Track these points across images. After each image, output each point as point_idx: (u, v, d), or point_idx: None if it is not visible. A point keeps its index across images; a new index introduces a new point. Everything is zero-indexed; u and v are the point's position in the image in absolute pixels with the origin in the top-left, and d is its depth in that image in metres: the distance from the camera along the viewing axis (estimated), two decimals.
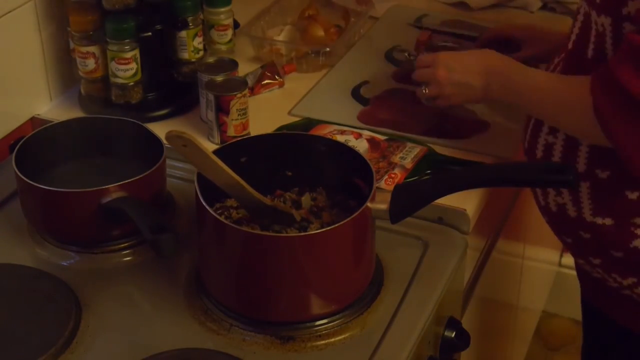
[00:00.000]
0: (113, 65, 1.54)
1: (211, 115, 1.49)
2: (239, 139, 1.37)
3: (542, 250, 2.45)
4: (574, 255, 1.44)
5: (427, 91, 1.46)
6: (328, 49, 1.74)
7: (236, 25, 1.76)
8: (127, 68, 1.53)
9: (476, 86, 1.39)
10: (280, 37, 1.81)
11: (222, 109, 1.47)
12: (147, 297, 1.24)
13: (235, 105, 1.46)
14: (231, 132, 1.49)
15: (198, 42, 1.62)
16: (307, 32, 1.80)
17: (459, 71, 1.41)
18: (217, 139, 1.50)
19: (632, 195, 1.27)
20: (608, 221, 1.30)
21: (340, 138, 1.46)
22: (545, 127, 1.34)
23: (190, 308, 1.20)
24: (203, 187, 1.16)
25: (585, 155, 1.29)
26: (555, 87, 1.29)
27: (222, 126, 1.48)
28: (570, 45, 1.31)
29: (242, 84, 1.49)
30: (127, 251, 1.30)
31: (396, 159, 1.43)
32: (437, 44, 1.71)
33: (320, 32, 1.79)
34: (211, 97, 1.47)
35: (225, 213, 1.24)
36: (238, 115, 1.47)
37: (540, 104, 1.30)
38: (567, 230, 1.38)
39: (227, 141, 1.42)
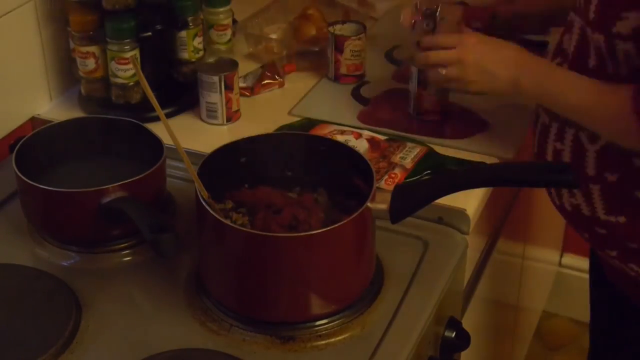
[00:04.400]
0: (113, 65, 1.54)
1: (330, 53, 1.69)
2: (249, 137, 1.35)
3: (542, 250, 2.45)
4: (592, 247, 1.47)
5: (445, 72, 1.40)
6: (317, 49, 1.74)
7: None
8: (127, 68, 1.53)
9: (503, 78, 1.35)
10: (276, 35, 1.82)
11: (337, 48, 1.67)
12: (147, 297, 1.24)
13: (349, 46, 1.66)
14: (344, 70, 1.68)
15: (198, 42, 1.62)
16: (300, 31, 1.81)
17: (489, 59, 1.37)
18: (332, 74, 1.71)
19: None
20: (621, 219, 1.32)
21: (340, 138, 1.46)
22: (552, 133, 1.35)
23: (190, 308, 1.20)
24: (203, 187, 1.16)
25: (594, 160, 1.31)
26: (591, 90, 1.27)
27: (336, 63, 1.69)
28: (570, 55, 1.32)
29: (361, 27, 1.71)
30: (127, 251, 1.30)
31: (396, 159, 1.43)
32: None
33: (312, 31, 1.80)
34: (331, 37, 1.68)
35: (225, 213, 1.24)
36: (352, 55, 1.67)
37: (574, 108, 1.29)
38: (583, 227, 1.40)
39: (340, 80, 1.70)
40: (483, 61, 1.37)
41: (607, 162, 1.30)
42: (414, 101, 1.57)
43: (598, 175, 1.31)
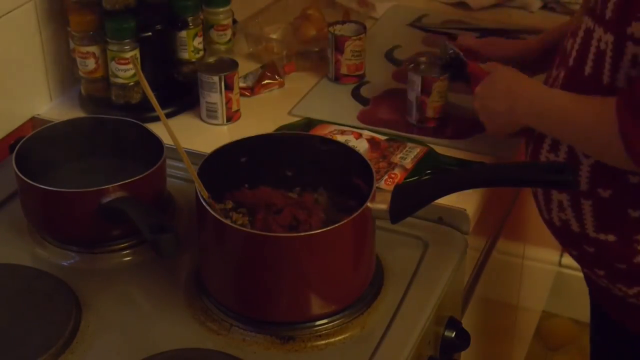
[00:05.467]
0: (113, 65, 1.54)
1: (330, 53, 1.70)
2: (243, 138, 1.36)
3: (542, 250, 2.45)
4: (580, 265, 1.44)
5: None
6: (317, 49, 1.75)
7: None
8: (127, 68, 1.53)
9: (500, 110, 1.38)
10: (276, 35, 1.82)
11: (337, 49, 1.68)
12: (147, 297, 1.24)
13: (349, 46, 1.66)
14: (344, 70, 1.69)
15: (198, 42, 1.62)
16: (300, 31, 1.81)
17: (487, 98, 1.42)
18: (332, 74, 1.71)
19: (635, 214, 1.26)
20: (611, 237, 1.29)
21: (340, 138, 1.46)
22: (546, 144, 1.33)
23: (190, 308, 1.20)
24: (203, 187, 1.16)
25: (587, 174, 1.28)
26: (577, 108, 1.25)
27: (336, 63, 1.69)
28: (571, 62, 1.29)
29: (361, 27, 1.72)
30: (127, 251, 1.30)
31: (396, 159, 1.43)
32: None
33: (312, 32, 1.80)
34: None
35: (225, 213, 1.24)
36: (352, 55, 1.68)
37: (562, 127, 1.28)
38: (571, 244, 1.38)
39: (340, 80, 1.71)
40: (485, 103, 1.42)
41: (601, 177, 1.27)
42: (416, 110, 1.56)
43: (590, 190, 1.28)
